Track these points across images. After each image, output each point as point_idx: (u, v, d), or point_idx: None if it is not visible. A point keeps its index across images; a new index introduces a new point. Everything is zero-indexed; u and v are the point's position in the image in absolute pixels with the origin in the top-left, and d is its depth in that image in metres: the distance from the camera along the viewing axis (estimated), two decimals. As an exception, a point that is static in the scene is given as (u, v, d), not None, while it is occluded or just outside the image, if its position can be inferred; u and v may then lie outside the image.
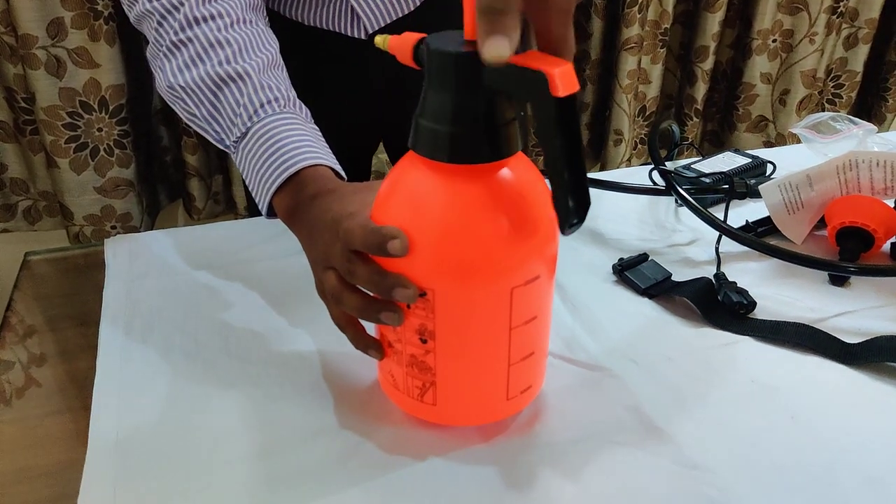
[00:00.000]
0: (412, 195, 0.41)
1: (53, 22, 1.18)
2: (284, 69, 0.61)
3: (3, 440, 0.49)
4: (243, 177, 0.58)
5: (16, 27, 1.17)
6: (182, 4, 0.57)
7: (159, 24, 0.58)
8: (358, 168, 0.94)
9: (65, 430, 0.50)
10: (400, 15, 0.76)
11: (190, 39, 0.57)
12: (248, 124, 0.56)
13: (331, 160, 0.56)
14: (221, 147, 0.59)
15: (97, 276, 0.65)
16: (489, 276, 0.40)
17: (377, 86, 0.82)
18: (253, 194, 0.57)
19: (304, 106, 0.60)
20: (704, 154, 0.85)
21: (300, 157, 0.54)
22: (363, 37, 0.76)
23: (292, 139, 0.55)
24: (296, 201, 0.53)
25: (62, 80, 1.22)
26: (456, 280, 0.40)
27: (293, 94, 0.59)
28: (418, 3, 0.76)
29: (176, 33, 0.57)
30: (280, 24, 0.74)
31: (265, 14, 0.65)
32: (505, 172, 0.40)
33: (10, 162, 1.33)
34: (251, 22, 0.60)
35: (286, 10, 0.75)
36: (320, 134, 0.59)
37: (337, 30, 0.75)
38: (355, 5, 0.73)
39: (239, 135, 0.56)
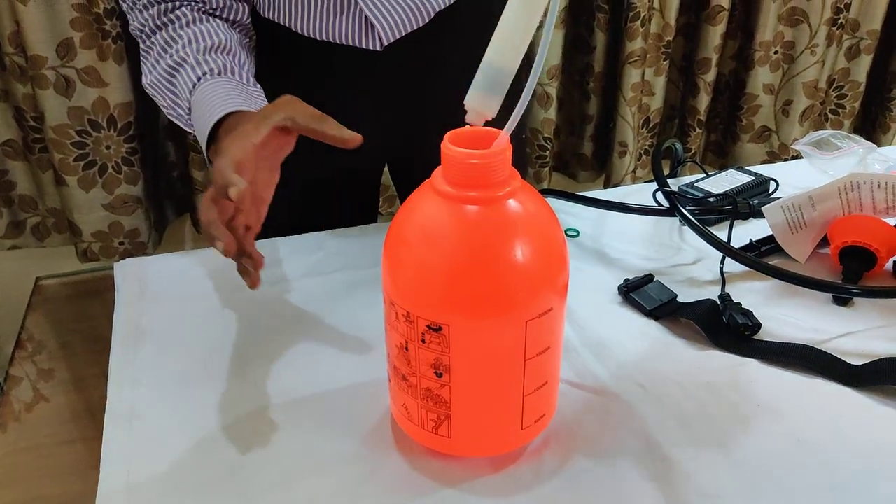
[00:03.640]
0: (426, 231, 0.41)
1: (63, 43, 1.19)
2: (233, 54, 0.67)
3: (18, 468, 0.50)
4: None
5: (25, 48, 1.18)
6: (147, 20, 0.67)
7: (139, 38, 0.69)
8: (364, 195, 0.93)
9: (78, 459, 0.51)
10: (414, 27, 0.76)
11: (152, 45, 0.67)
12: (189, 98, 0.64)
13: (236, 104, 0.61)
14: (192, 131, 0.66)
15: (109, 300, 0.66)
16: (504, 311, 0.40)
17: (383, 104, 0.82)
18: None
19: (239, 72, 0.66)
20: (708, 171, 0.86)
21: (212, 115, 0.61)
22: (378, 48, 0.75)
23: (212, 101, 0.62)
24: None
25: (71, 100, 1.24)
26: (471, 315, 0.40)
27: (230, 67, 0.66)
28: (429, 18, 0.76)
29: (143, 42, 0.68)
30: (284, 40, 0.75)
31: (231, 16, 0.71)
32: (514, 206, 0.41)
33: (19, 179, 1.34)
34: (202, 21, 0.68)
35: (294, 24, 0.75)
36: (247, 81, 0.66)
37: (350, 42, 0.75)
38: (370, 15, 0.73)
39: (187, 110, 0.64)
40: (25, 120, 1.28)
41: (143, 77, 0.68)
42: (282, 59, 0.77)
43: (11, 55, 1.21)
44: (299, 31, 0.75)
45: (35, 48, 1.18)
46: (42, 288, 0.71)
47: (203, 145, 0.62)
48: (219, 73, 0.64)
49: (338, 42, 0.75)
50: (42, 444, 0.52)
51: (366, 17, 0.73)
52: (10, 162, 1.32)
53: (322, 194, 0.86)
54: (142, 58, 0.68)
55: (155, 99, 0.68)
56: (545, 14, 0.41)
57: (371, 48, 0.76)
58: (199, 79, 0.63)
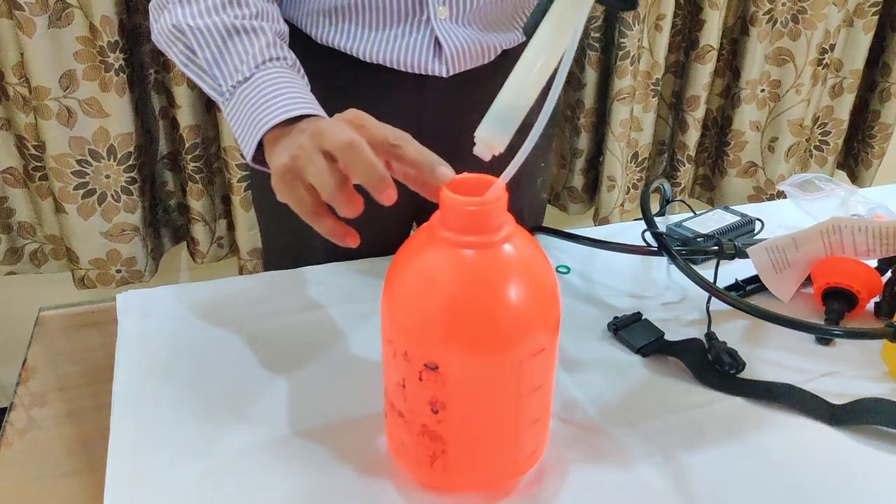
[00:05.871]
0: (425, 274, 0.43)
1: (66, 74, 1.22)
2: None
3: (21, 499, 0.51)
4: (234, 116, 0.59)
5: (29, 79, 1.21)
6: None
7: None
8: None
9: (81, 490, 0.51)
10: (480, 62, 0.76)
11: None
12: (254, 71, 0.58)
13: (313, 108, 0.57)
14: (212, 92, 0.61)
15: (108, 332, 0.67)
16: (499, 351, 0.42)
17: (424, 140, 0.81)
18: (243, 127, 0.58)
19: (306, 76, 0.62)
20: (695, 208, 0.88)
21: (306, 104, 0.56)
22: (444, 74, 0.74)
23: (299, 90, 0.58)
24: (287, 130, 0.55)
25: (72, 130, 1.26)
26: (467, 355, 0.42)
27: (300, 67, 0.62)
28: (494, 56, 0.77)
29: None
30: (335, 67, 0.74)
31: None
32: (509, 250, 0.43)
33: (19, 207, 1.36)
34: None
35: (356, 48, 0.73)
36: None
37: (415, 66, 0.74)
38: (439, 33, 0.72)
39: (241, 79, 0.58)
40: (27, 149, 1.29)
41: (180, 17, 0.60)
42: (333, 88, 0.71)
43: (15, 85, 1.23)
44: (361, 56, 0.74)
45: (39, 79, 1.20)
46: (43, 319, 0.73)
47: (267, 119, 0.56)
48: (292, 65, 0.61)
49: (401, 68, 0.74)
50: (45, 476, 0.53)
51: (436, 39, 0.73)
52: (10, 189, 1.34)
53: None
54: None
55: (178, 45, 0.61)
56: (559, 63, 0.43)
57: (438, 74, 0.75)
58: (270, 59, 0.59)
